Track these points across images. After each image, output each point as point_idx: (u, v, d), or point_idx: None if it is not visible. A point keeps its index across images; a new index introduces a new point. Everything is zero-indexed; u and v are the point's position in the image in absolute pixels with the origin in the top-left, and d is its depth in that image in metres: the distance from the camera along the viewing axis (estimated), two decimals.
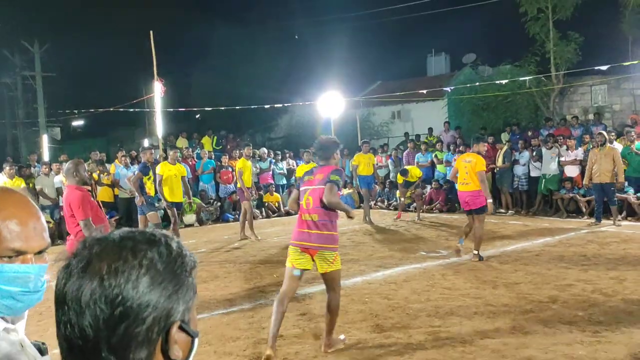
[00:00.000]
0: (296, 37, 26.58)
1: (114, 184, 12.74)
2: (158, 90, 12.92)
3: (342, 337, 4.54)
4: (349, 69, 24.60)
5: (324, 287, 6.33)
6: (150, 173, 9.21)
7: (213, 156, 15.60)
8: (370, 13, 27.23)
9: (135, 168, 13.04)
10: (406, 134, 18.79)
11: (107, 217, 11.87)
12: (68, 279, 0.77)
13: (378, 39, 30.08)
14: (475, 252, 7.64)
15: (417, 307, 5.45)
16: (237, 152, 15.82)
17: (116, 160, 13.19)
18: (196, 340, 0.87)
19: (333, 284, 4.42)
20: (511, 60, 17.96)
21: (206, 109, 18.92)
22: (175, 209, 9.45)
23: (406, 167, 13.16)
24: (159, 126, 11.94)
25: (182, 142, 16.74)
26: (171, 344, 0.80)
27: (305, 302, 5.86)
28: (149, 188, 8.94)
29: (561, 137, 12.55)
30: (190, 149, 15.48)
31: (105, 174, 12.68)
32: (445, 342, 4.43)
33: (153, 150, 9.95)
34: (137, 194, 8.89)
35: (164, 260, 0.80)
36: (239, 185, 10.75)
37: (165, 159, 9.83)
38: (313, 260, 4.39)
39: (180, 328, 0.82)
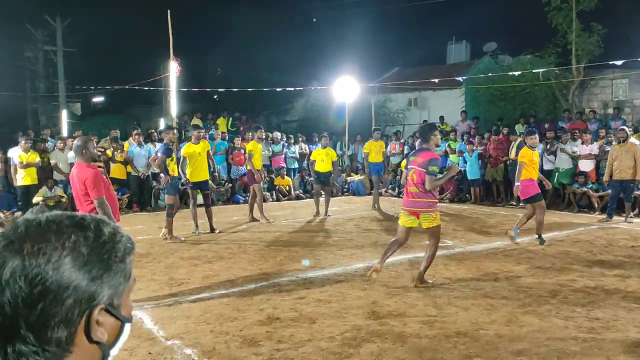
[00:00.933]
0: (314, 20, 26.41)
1: (126, 162, 12.88)
2: (174, 69, 12.96)
3: (431, 281, 5.90)
4: (367, 54, 24.44)
5: (325, 274, 6.43)
6: (173, 154, 9.17)
7: (227, 137, 15.66)
8: None
9: (149, 147, 13.18)
10: (424, 122, 18.66)
11: (119, 194, 12.11)
12: None
13: (398, 25, 29.82)
14: (537, 235, 8.20)
15: (415, 296, 5.46)
16: (250, 134, 15.89)
17: (130, 138, 13.32)
18: (126, 326, 0.90)
19: (433, 236, 5.84)
20: (532, 50, 17.67)
21: (219, 90, 18.96)
22: (201, 188, 9.48)
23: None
24: (174, 105, 11.97)
25: (196, 122, 16.78)
26: (92, 326, 0.82)
27: (305, 286, 5.91)
28: (172, 169, 8.93)
29: (577, 131, 12.36)
30: (204, 130, 15.55)
31: (119, 151, 12.81)
32: (439, 332, 4.45)
33: (175, 131, 9.87)
34: (163, 174, 8.91)
35: (89, 244, 0.82)
36: (248, 167, 10.79)
37: (180, 139, 9.83)
38: (418, 219, 5.82)
39: (107, 311, 0.84)
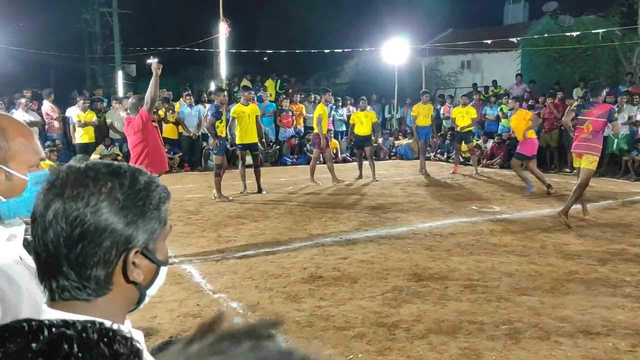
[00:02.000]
0: None
1: (178, 122, 13.18)
2: (223, 31, 13.07)
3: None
4: (420, 14, 23.68)
5: (369, 235, 6.49)
6: (223, 117, 9.27)
7: (275, 99, 15.74)
8: None
9: (200, 107, 13.42)
10: (474, 85, 18.15)
11: (171, 153, 12.47)
12: (40, 199, 0.87)
13: None
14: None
15: (458, 260, 5.45)
16: (298, 96, 15.90)
17: (181, 99, 13.59)
18: (162, 269, 0.96)
19: (585, 175, 6.94)
20: (595, 10, 16.71)
21: (267, 51, 18.95)
22: (250, 149, 9.59)
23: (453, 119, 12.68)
24: (223, 67, 12.15)
25: (245, 84, 16.94)
26: (129, 267, 0.89)
27: (348, 247, 5.99)
28: (221, 131, 9.06)
29: (637, 96, 11.74)
30: (253, 92, 15.68)
31: (171, 111, 13.12)
32: (480, 296, 4.45)
33: (225, 93, 9.96)
34: (212, 137, 9.08)
35: (125, 191, 0.87)
36: (316, 130, 10.74)
37: (230, 100, 9.91)
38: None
39: (143, 254, 0.90)
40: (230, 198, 9.00)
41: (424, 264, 5.32)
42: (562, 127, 12.60)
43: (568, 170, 12.54)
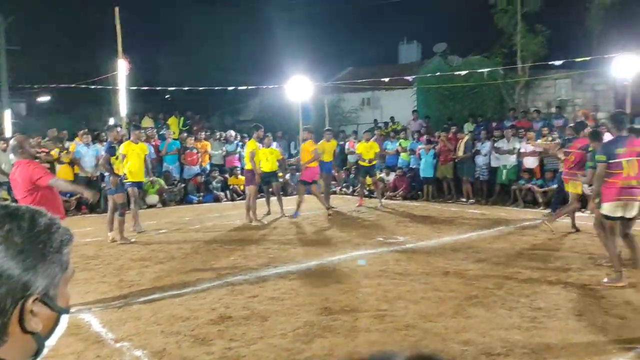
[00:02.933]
0: (269, 19, 26.31)
1: (73, 163, 12.49)
2: (123, 68, 12.72)
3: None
4: (320, 53, 24.55)
5: (279, 272, 6.45)
6: (118, 153, 9.00)
7: (178, 137, 15.44)
8: None
9: (97, 147, 12.83)
10: (375, 121, 18.92)
11: (67, 196, 11.74)
12: None
13: (350, 25, 30.03)
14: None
15: (367, 291, 5.55)
16: (203, 133, 15.71)
17: (77, 138, 12.92)
18: (63, 317, 0.90)
19: (571, 199, 8.20)
20: (480, 51, 18.16)
21: (169, 88, 18.65)
22: (138, 187, 9.36)
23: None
24: (123, 105, 11.76)
25: (147, 122, 16.49)
26: (26, 316, 0.82)
27: (258, 284, 5.91)
28: (117, 168, 8.73)
29: (522, 130, 12.82)
30: (155, 130, 15.29)
31: (65, 152, 12.42)
32: (389, 325, 4.55)
33: (119, 129, 9.67)
34: (110, 174, 8.68)
35: (23, 234, 0.82)
36: (248, 167, 10.68)
37: (128, 138, 9.67)
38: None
39: (42, 302, 0.84)
40: (133, 240, 8.61)
41: (334, 297, 5.36)
42: (456, 160, 13.43)
43: (464, 200, 13.31)
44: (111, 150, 8.65)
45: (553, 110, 16.46)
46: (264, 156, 11.52)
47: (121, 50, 12.33)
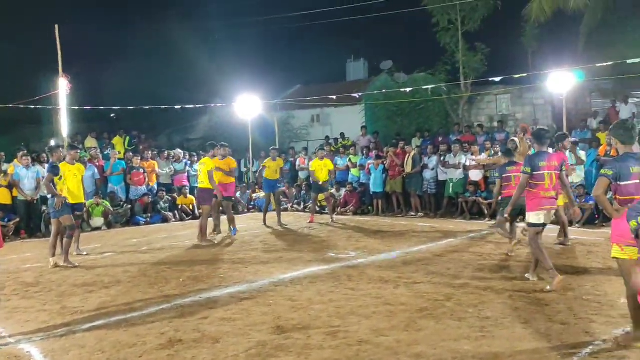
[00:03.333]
0: (216, 37, 26.23)
1: (12, 185, 11.96)
2: (63, 86, 12.35)
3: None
4: (269, 71, 24.67)
5: (230, 292, 6.35)
6: (61, 172, 8.65)
7: (124, 156, 15.06)
8: (290, 17, 27.37)
9: (38, 169, 12.34)
10: (326, 138, 19.07)
11: (5, 220, 11.23)
12: None
13: (299, 43, 30.31)
14: None
15: (319, 308, 5.53)
16: (150, 152, 15.40)
17: (15, 160, 12.39)
18: None
19: (560, 212, 8.27)
20: (424, 68, 18.70)
21: (113, 107, 18.22)
22: (76, 210, 8.95)
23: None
24: (64, 125, 11.40)
25: (91, 142, 16.02)
26: None
27: (209, 305, 5.79)
28: (60, 189, 8.38)
29: (467, 144, 13.21)
30: (99, 150, 14.86)
31: (3, 174, 11.88)
32: (342, 342, 4.53)
33: (62, 149, 9.32)
34: (53, 196, 8.32)
35: None
36: (206, 186, 10.21)
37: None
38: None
39: None
40: (76, 264, 8.28)
41: (287, 315, 5.31)
42: (405, 175, 13.68)
43: (413, 213, 13.55)
44: (54, 170, 8.33)
45: (495, 124, 17.08)
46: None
47: (62, 68, 11.97)
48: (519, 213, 7.47)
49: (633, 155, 4.41)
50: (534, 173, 6.08)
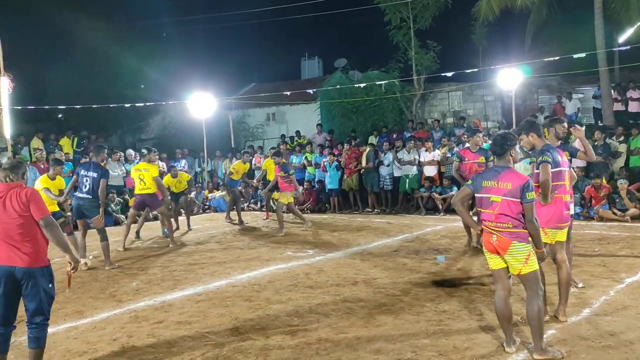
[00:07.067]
0: (164, 34, 25.65)
1: None
2: (5, 86, 11.78)
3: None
4: (223, 70, 24.33)
5: (185, 294, 6.19)
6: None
7: (72, 158, 14.53)
8: (244, 15, 27.07)
9: None
10: (282, 136, 18.94)
11: None
12: None
13: (253, 41, 30.08)
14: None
15: (277, 308, 5.46)
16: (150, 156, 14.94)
17: None
18: None
19: None
20: (378, 66, 18.84)
21: (60, 107, 17.56)
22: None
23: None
24: (7, 126, 10.88)
25: (37, 143, 15.35)
26: None
27: (164, 309, 5.63)
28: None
29: (420, 140, 13.38)
30: (44, 152, 14.28)
31: None
32: (301, 341, 4.49)
33: (106, 149, 9.01)
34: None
35: None
36: (152, 191, 9.77)
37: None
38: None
39: None
40: None
41: (245, 316, 5.22)
42: (362, 171, 13.74)
43: (370, 210, 13.63)
44: (106, 175, 8.30)
45: (449, 120, 17.40)
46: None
47: (2, 67, 11.42)
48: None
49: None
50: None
